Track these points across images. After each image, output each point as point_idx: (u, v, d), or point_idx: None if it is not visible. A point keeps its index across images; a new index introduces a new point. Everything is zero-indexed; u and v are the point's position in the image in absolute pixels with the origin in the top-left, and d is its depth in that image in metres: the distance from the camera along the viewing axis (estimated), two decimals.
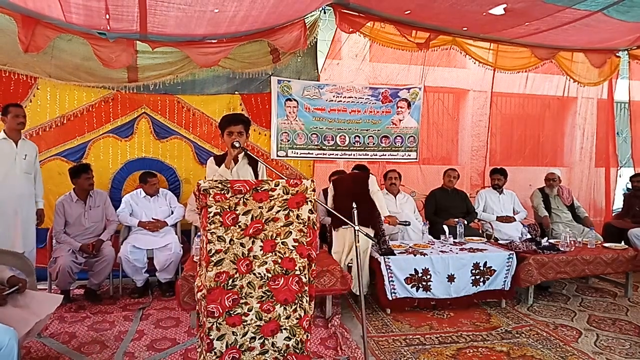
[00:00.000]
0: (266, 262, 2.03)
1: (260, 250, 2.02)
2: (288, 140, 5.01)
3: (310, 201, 2.07)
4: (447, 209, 4.86)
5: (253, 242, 2.01)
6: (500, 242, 4.44)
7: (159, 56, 4.32)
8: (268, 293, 2.04)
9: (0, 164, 3.40)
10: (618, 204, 6.09)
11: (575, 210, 5.18)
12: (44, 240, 4.04)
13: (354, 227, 2.30)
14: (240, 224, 1.99)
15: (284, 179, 2.06)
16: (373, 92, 5.25)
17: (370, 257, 3.77)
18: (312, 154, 5.12)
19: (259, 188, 2.00)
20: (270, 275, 2.04)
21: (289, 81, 4.94)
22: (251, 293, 2.02)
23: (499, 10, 4.12)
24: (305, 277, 2.08)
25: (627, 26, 4.54)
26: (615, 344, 3.08)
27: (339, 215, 2.44)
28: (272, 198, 2.02)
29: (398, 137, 5.40)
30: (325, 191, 4.49)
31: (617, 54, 5.69)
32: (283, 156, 5.01)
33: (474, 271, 3.69)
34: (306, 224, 2.07)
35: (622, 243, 4.35)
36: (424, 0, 4.08)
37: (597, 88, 5.97)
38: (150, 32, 3.98)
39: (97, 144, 4.48)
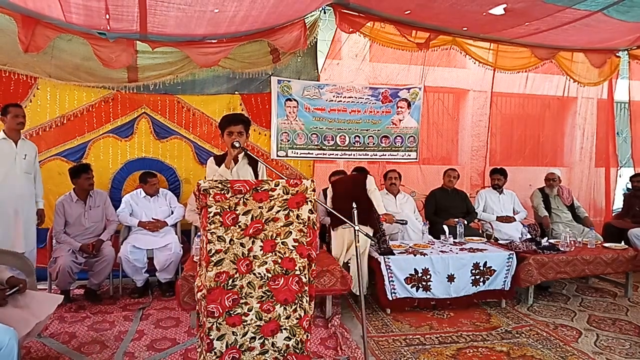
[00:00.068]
0: (266, 262, 2.03)
1: (260, 250, 2.02)
2: (288, 140, 5.01)
3: (310, 201, 2.07)
4: (447, 209, 4.86)
5: (253, 242, 2.02)
6: (500, 242, 4.44)
7: (159, 56, 4.32)
8: (268, 293, 2.04)
9: (0, 164, 3.40)
10: (618, 204, 6.09)
11: (575, 210, 5.18)
12: (44, 240, 4.04)
13: (354, 227, 2.30)
14: (240, 224, 1.99)
15: (284, 179, 2.06)
16: (373, 92, 5.25)
17: (370, 257, 3.77)
18: (312, 154, 5.12)
19: (259, 188, 2.00)
20: (270, 275, 2.04)
21: (289, 81, 4.94)
22: (251, 293, 2.02)
23: (499, 10, 4.12)
24: (305, 277, 2.08)
25: (627, 26, 4.54)
26: (615, 344, 3.08)
27: (338, 215, 2.44)
28: (272, 198, 2.02)
29: (398, 137, 5.40)
30: (325, 191, 4.49)
31: (617, 54, 5.69)
32: (283, 156, 5.01)
33: (474, 271, 3.69)
34: (306, 224, 2.07)
35: (622, 243, 4.35)
36: (424, 0, 4.08)
37: (597, 88, 5.97)
38: (150, 32, 3.98)
39: (97, 144, 4.49)
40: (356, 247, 2.39)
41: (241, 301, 2.01)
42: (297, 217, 2.05)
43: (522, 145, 6.24)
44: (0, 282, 2.43)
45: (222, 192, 1.96)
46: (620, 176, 6.28)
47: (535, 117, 6.34)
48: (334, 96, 5.12)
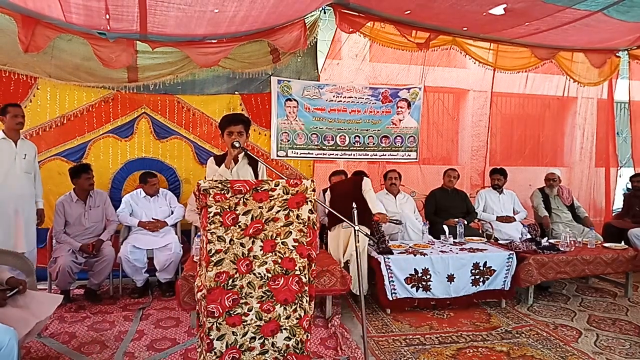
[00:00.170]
0: (266, 262, 2.03)
1: (260, 250, 2.02)
2: (288, 140, 5.01)
3: (310, 201, 2.07)
4: (447, 209, 4.86)
5: (253, 242, 2.02)
6: (500, 242, 4.44)
7: (159, 56, 4.32)
8: (268, 293, 2.04)
9: (0, 164, 3.40)
10: (618, 204, 6.09)
11: (575, 210, 5.18)
12: (44, 240, 4.04)
13: (354, 227, 2.30)
14: (240, 224, 1.99)
15: (284, 179, 2.06)
16: (373, 92, 5.25)
17: (370, 257, 3.77)
18: (312, 154, 5.12)
19: (259, 188, 2.00)
20: (270, 275, 2.04)
21: (289, 81, 4.94)
22: (251, 293, 2.02)
23: (499, 10, 4.12)
24: (305, 277, 2.08)
25: (627, 26, 4.54)
26: (615, 344, 3.08)
27: (338, 214, 2.44)
28: (272, 198, 2.02)
29: (398, 137, 5.40)
30: (325, 191, 4.50)
31: (617, 54, 5.69)
32: (283, 156, 5.01)
33: (473, 271, 3.69)
34: (306, 224, 2.07)
35: (622, 243, 4.35)
36: (424, 0, 4.08)
37: (597, 88, 5.97)
38: (150, 32, 3.98)
39: (97, 144, 4.48)
40: (356, 247, 2.39)
41: (241, 301, 2.01)
42: (297, 217, 2.06)
43: (522, 145, 6.24)
44: (0, 282, 2.43)
45: (222, 192, 1.96)
46: (620, 176, 6.28)
47: (535, 117, 6.34)
48: (334, 96, 5.12)
